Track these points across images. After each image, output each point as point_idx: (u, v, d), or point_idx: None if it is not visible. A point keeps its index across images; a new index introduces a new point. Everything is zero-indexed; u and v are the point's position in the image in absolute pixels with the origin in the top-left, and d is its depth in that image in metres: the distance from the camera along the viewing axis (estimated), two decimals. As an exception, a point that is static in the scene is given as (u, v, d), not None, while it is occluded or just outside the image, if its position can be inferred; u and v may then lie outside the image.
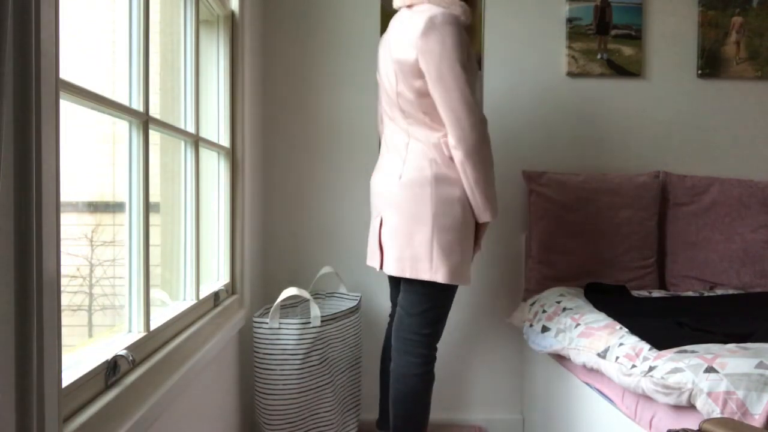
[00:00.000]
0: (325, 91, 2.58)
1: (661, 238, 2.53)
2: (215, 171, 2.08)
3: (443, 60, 1.72)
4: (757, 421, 1.21)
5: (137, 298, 1.33)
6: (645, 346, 1.53)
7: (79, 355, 1.12)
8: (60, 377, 0.83)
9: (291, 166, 2.58)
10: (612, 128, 2.64)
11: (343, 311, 2.18)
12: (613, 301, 2.07)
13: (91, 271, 1.55)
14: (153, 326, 1.37)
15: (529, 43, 2.61)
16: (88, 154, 1.52)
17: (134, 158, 1.33)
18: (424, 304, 1.85)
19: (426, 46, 1.73)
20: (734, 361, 1.32)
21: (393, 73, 1.84)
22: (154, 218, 1.46)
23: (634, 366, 1.50)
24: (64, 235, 0.88)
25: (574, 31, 2.59)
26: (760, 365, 1.30)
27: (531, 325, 2.20)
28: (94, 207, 1.55)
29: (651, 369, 1.43)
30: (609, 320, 1.80)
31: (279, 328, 1.99)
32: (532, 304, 2.27)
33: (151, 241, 1.37)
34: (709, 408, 1.26)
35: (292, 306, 2.32)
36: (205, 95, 2.03)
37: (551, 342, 1.99)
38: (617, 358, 1.58)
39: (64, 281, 1.17)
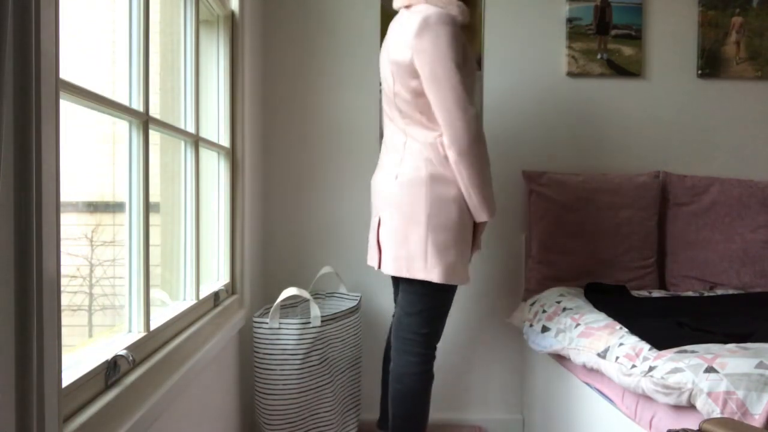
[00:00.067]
0: (325, 91, 2.58)
1: (661, 238, 2.53)
2: (215, 171, 2.08)
3: (437, 60, 1.72)
4: (757, 421, 1.21)
5: (137, 298, 1.33)
6: (645, 346, 1.53)
7: (79, 355, 1.12)
8: (60, 377, 0.83)
9: (291, 166, 2.58)
10: (612, 128, 2.64)
11: (343, 311, 2.18)
12: (613, 301, 2.07)
13: (91, 271, 1.56)
14: (153, 326, 1.37)
15: (529, 43, 2.61)
16: (88, 154, 1.52)
17: (134, 158, 1.33)
18: (422, 303, 1.85)
19: (420, 45, 1.73)
20: (734, 361, 1.32)
21: (390, 73, 1.85)
22: (154, 218, 1.46)
23: (634, 366, 1.50)
24: (64, 235, 0.88)
25: (574, 31, 2.59)
26: (760, 365, 1.30)
27: (531, 325, 2.20)
28: (94, 207, 1.55)
29: (651, 369, 1.43)
30: (609, 320, 1.80)
31: (279, 328, 1.99)
32: (532, 304, 2.27)
33: (151, 241, 1.37)
34: (709, 408, 1.26)
35: (292, 306, 2.32)
36: (205, 95, 2.03)
37: (551, 342, 1.99)
38: (617, 358, 1.58)
39: (64, 281, 1.17)
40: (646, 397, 1.46)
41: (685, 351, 1.43)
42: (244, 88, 2.19)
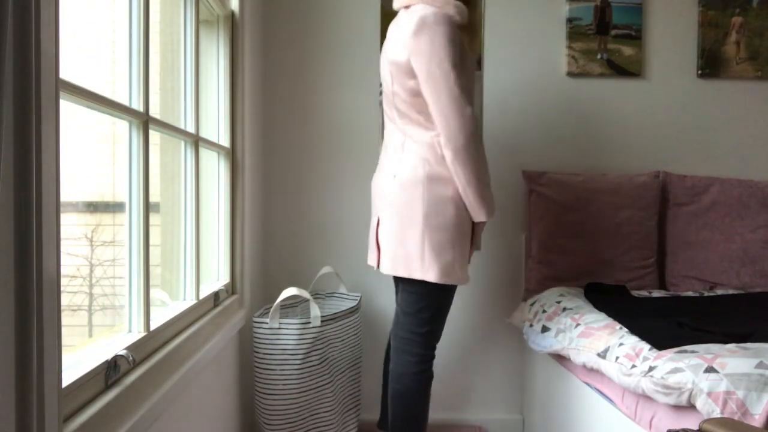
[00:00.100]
0: (325, 91, 2.58)
1: (661, 238, 2.53)
2: (215, 171, 2.08)
3: (433, 59, 1.72)
4: (757, 421, 1.21)
5: (137, 298, 1.33)
6: (645, 346, 1.53)
7: (79, 355, 1.12)
8: (60, 377, 0.83)
9: (291, 166, 2.58)
10: (612, 128, 2.64)
11: (343, 311, 2.18)
12: (613, 301, 2.07)
13: (91, 271, 1.56)
14: (153, 326, 1.37)
15: (529, 43, 2.61)
16: (88, 154, 1.52)
17: (134, 158, 1.33)
18: (420, 303, 1.85)
19: (416, 45, 1.74)
20: (734, 361, 1.32)
21: (389, 74, 1.85)
22: (154, 218, 1.46)
23: (634, 366, 1.50)
24: (64, 235, 0.88)
25: (574, 31, 2.59)
26: (760, 365, 1.30)
27: (531, 325, 2.20)
28: (94, 207, 1.55)
29: (651, 369, 1.43)
30: (609, 320, 1.80)
31: (279, 328, 1.99)
32: (532, 304, 2.27)
33: (151, 241, 1.37)
34: (709, 408, 1.26)
35: (292, 306, 2.32)
36: (205, 95, 2.03)
37: (551, 342, 1.99)
38: (617, 358, 1.58)
39: (64, 281, 1.17)
40: (646, 397, 1.46)
41: (685, 351, 1.43)
42: (244, 88, 2.19)
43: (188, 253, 1.77)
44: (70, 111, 1.15)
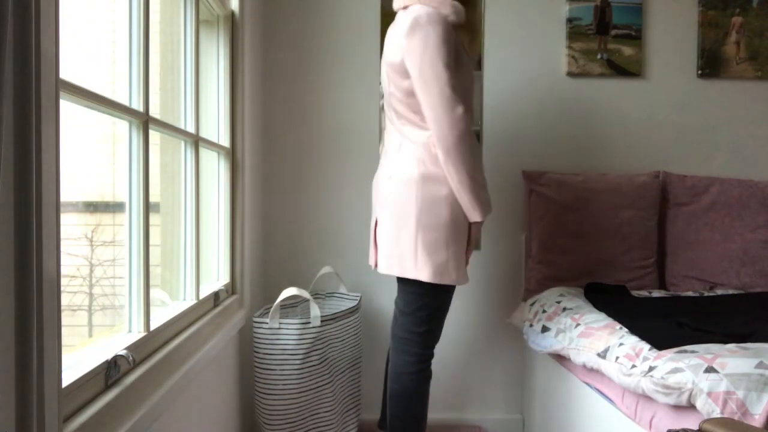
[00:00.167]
0: (325, 91, 2.58)
1: (661, 238, 2.53)
2: (215, 171, 2.08)
3: (425, 59, 1.73)
4: (757, 421, 1.21)
5: (137, 298, 1.33)
6: (645, 346, 1.53)
7: (79, 355, 1.12)
8: (60, 377, 0.83)
9: (291, 166, 2.58)
10: (612, 128, 2.64)
11: (343, 311, 2.18)
12: (613, 301, 2.07)
13: (91, 271, 1.56)
14: (153, 326, 1.37)
15: (529, 43, 2.61)
16: (88, 154, 1.52)
17: (134, 158, 1.33)
18: (417, 302, 1.85)
19: (409, 45, 1.74)
20: (734, 361, 1.32)
21: (386, 74, 1.87)
22: (154, 218, 1.46)
23: (634, 366, 1.50)
24: (64, 235, 0.88)
25: (574, 31, 2.59)
26: (760, 365, 1.30)
27: (531, 325, 2.20)
28: (94, 207, 1.55)
29: (651, 369, 1.43)
30: (609, 320, 1.80)
31: (279, 328, 1.99)
32: (532, 304, 2.27)
33: (151, 241, 1.37)
34: (709, 408, 1.26)
35: (292, 306, 2.32)
36: (205, 95, 2.03)
37: (551, 342, 1.99)
38: (617, 358, 1.58)
39: (64, 281, 1.17)
40: (646, 397, 1.46)
41: (685, 351, 1.43)
42: (244, 88, 2.19)
43: (188, 253, 1.77)
44: (70, 111, 1.15)
